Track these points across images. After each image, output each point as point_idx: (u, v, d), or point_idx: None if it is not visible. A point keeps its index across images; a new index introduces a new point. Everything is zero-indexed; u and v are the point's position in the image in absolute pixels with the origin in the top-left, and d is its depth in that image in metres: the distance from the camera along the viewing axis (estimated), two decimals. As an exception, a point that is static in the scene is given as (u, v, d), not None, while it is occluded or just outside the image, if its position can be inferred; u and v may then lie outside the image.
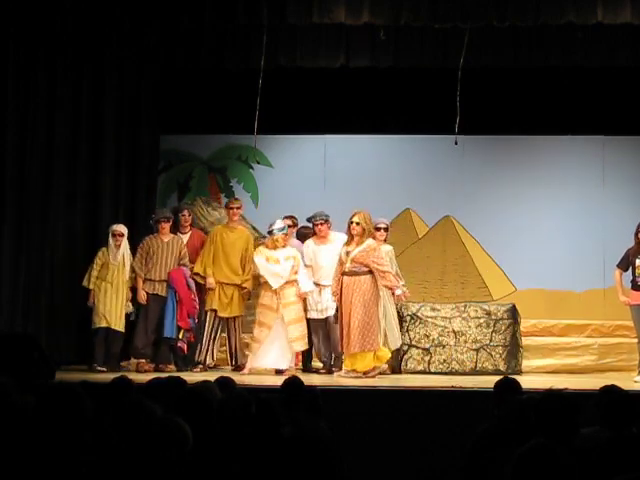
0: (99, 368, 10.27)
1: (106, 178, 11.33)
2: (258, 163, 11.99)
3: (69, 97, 11.00)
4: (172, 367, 10.59)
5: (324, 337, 10.62)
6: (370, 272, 9.94)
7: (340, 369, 10.18)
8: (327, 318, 10.56)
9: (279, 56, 10.96)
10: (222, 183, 12.22)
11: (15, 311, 10.29)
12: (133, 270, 10.64)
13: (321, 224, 10.65)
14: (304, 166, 12.16)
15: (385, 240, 10.77)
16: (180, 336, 10.61)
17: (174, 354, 10.72)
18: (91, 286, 10.53)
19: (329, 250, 10.57)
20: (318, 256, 10.66)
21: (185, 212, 11.10)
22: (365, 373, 9.84)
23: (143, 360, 10.61)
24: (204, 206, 11.81)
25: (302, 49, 10.98)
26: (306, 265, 10.66)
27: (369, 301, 9.87)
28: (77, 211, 11.12)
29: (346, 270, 9.94)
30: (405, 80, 11.71)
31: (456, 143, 10.97)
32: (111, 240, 10.61)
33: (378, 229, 10.61)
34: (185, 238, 10.96)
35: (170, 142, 12.08)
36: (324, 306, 10.58)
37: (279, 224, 10.53)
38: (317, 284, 10.60)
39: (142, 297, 10.61)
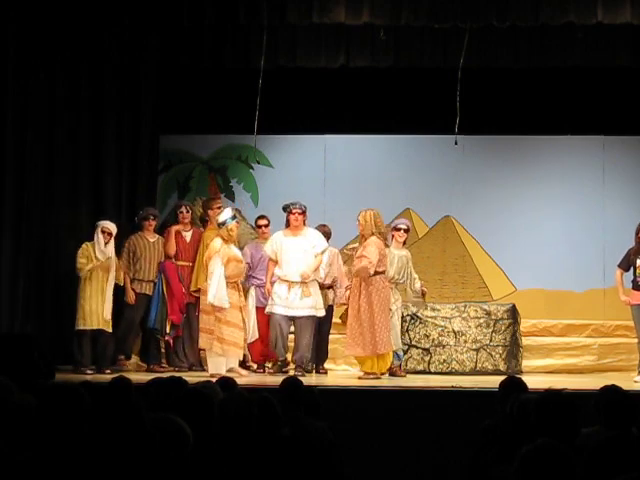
0: (88, 371, 9.95)
1: (106, 178, 11.32)
2: (258, 163, 11.97)
3: (69, 97, 11.01)
4: (165, 367, 10.46)
5: (283, 333, 10.08)
6: (383, 272, 9.84)
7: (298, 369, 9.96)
8: (301, 318, 10.04)
9: (279, 56, 10.94)
10: (222, 183, 12.20)
11: (15, 311, 10.29)
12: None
13: (298, 213, 10.16)
14: (304, 166, 12.14)
15: (404, 242, 10.56)
16: (168, 331, 10.49)
17: (166, 350, 10.63)
18: (88, 267, 10.17)
19: (299, 244, 10.11)
20: (285, 248, 10.08)
21: (182, 209, 10.91)
22: (383, 373, 9.82)
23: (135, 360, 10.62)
24: (204, 206, 11.80)
25: (302, 49, 10.96)
26: (271, 259, 10.15)
27: (384, 300, 9.76)
28: (77, 211, 11.12)
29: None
30: (405, 80, 11.70)
31: (456, 143, 10.97)
32: (101, 236, 10.30)
33: (398, 229, 10.50)
34: (187, 236, 10.87)
35: (170, 142, 12.05)
36: (293, 304, 10.03)
37: (228, 212, 10.11)
38: (285, 280, 10.04)
39: (131, 297, 10.48)
